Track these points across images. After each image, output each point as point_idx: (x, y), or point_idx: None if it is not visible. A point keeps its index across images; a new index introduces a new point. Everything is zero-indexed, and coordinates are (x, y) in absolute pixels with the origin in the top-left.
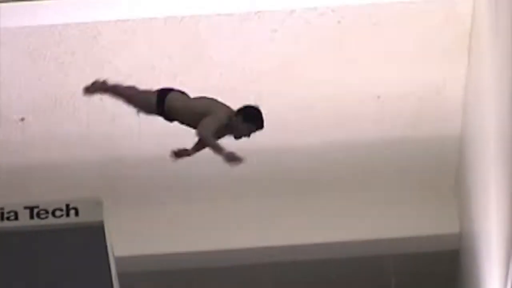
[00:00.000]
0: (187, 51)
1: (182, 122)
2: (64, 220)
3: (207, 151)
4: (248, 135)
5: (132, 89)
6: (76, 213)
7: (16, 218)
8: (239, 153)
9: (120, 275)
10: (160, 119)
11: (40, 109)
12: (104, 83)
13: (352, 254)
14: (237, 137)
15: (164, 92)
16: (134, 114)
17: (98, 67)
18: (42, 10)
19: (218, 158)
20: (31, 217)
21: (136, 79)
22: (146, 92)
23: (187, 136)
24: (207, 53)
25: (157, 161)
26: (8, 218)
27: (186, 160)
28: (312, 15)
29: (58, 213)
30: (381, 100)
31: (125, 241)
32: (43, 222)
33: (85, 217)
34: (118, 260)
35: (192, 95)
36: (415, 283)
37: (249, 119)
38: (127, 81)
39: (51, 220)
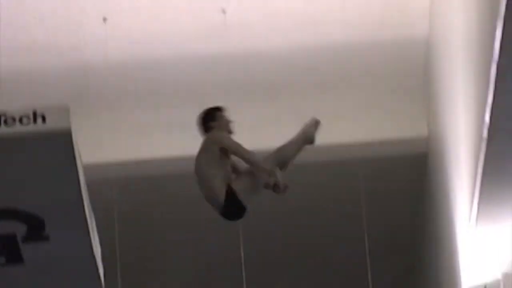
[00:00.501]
0: None
1: None
2: (31, 127)
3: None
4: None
5: None
6: (43, 120)
7: None
8: (207, 59)
9: (88, 183)
10: (126, 26)
11: (6, 17)
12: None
13: (321, 159)
14: None
15: None
16: (101, 22)
17: None
18: None
19: (184, 65)
20: None
21: None
22: None
23: (153, 42)
24: None
25: (124, 68)
26: None
27: (152, 66)
28: None
29: (25, 120)
30: (346, 4)
31: (92, 148)
32: (10, 129)
33: (52, 124)
34: (86, 167)
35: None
36: (384, 186)
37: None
38: None
39: (18, 128)
